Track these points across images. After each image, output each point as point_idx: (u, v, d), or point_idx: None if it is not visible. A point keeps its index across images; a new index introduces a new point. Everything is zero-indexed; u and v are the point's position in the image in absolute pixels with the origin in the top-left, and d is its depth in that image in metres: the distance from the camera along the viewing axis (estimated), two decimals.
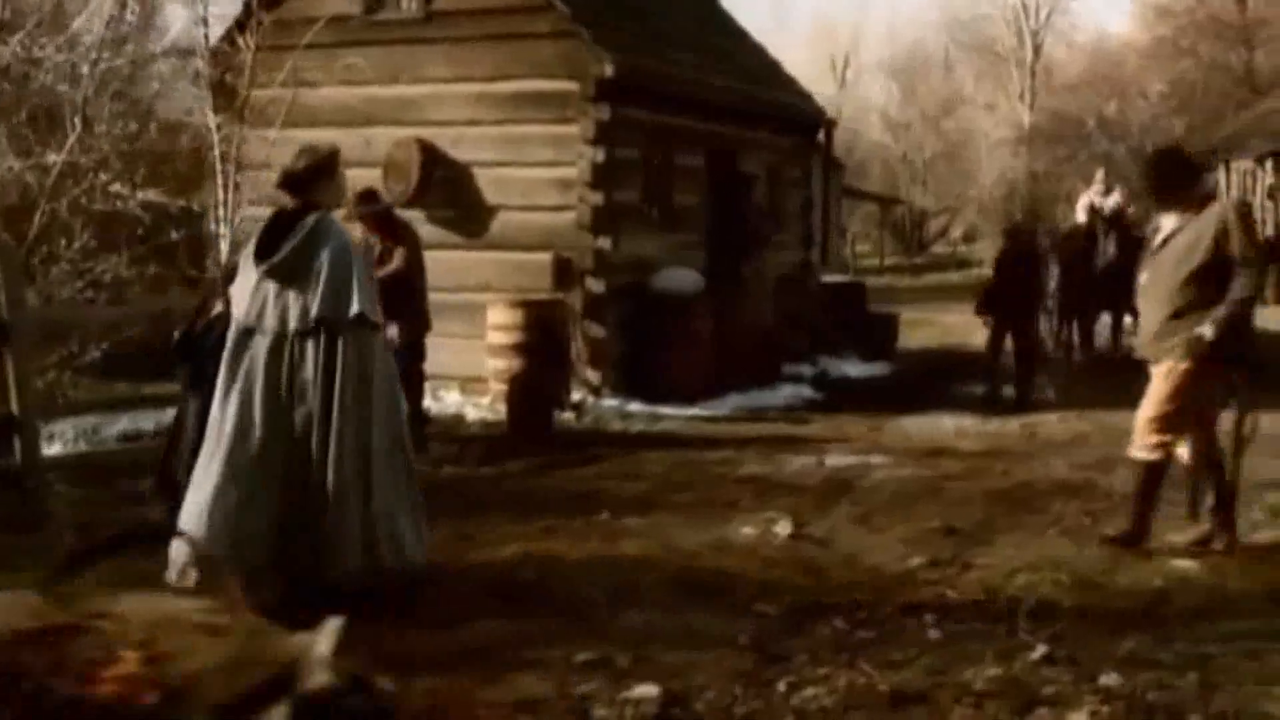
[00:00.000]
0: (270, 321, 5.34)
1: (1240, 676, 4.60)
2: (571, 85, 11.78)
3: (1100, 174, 16.77)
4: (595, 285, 11.78)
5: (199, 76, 10.38)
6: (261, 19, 11.28)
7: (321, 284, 5.26)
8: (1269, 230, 27.14)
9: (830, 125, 16.61)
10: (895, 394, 13.19)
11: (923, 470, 8.87)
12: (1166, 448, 6.37)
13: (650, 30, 13.37)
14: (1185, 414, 6.33)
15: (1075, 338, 15.70)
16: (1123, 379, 13.47)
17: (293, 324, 5.31)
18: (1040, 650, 4.80)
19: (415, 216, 12.14)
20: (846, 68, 58.71)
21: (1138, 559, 6.39)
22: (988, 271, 32.94)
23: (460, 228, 12.23)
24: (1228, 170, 28.39)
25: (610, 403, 11.52)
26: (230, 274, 5.96)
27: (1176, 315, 6.22)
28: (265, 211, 12.51)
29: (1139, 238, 15.43)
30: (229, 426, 5.31)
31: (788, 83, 16.20)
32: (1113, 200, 15.82)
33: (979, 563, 6.33)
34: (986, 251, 39.27)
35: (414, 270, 9.38)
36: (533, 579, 5.86)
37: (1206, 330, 6.11)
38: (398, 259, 9.16)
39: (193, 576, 4.90)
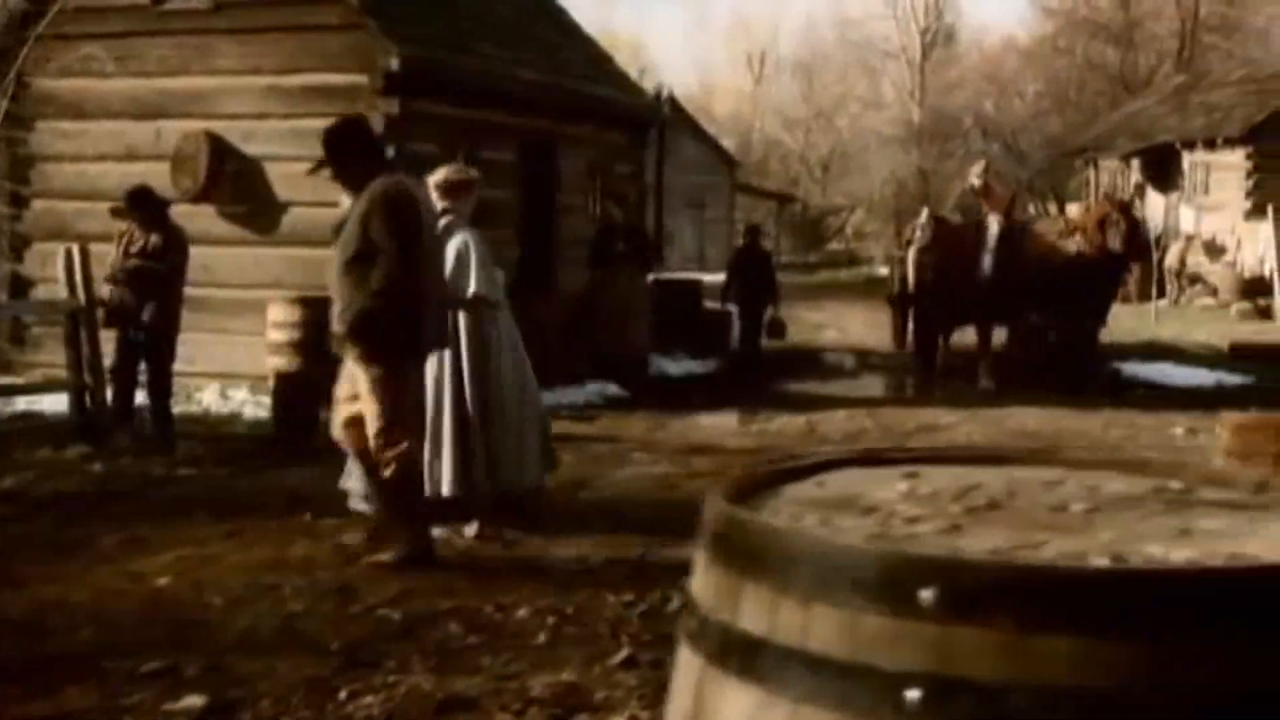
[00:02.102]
0: None
1: None
2: (360, 78, 11.55)
3: (978, 168, 15.99)
4: None
5: None
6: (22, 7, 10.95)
7: (448, 272, 6.46)
8: (1143, 231, 27.24)
9: (664, 122, 16.50)
10: (705, 391, 13.06)
11: (671, 469, 8.79)
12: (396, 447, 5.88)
13: (454, 22, 13.14)
14: (390, 412, 5.86)
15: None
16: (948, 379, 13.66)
17: None
18: (624, 653, 4.70)
19: (205, 212, 11.91)
20: (763, 65, 58.94)
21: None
22: (879, 270, 32.61)
23: (251, 223, 11.98)
24: (1096, 168, 28.75)
25: None
26: None
27: (346, 308, 5.84)
28: (69, 205, 12.52)
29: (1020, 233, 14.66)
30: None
31: (618, 78, 16.07)
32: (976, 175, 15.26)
33: (659, 559, 6.23)
34: (876, 249, 39.57)
35: (177, 273, 9.33)
36: (164, 585, 5.68)
37: (337, 328, 5.86)
38: (166, 263, 9.16)
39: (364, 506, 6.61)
